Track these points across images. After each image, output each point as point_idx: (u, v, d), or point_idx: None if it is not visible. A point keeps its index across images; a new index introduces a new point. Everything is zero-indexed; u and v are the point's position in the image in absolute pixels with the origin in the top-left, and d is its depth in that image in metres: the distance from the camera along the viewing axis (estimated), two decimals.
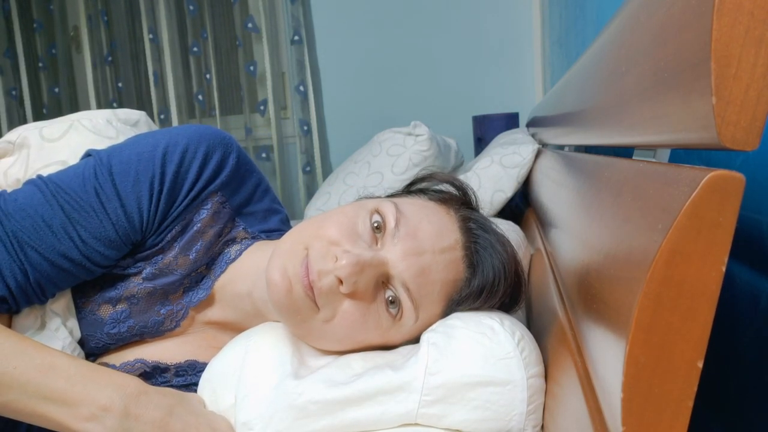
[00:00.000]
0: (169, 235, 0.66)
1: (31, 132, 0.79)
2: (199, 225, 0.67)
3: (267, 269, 0.60)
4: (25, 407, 0.53)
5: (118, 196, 0.62)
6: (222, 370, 0.60)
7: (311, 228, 0.62)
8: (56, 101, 2.72)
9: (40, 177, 0.63)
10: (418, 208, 0.63)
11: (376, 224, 0.60)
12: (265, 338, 0.62)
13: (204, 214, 0.67)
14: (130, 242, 0.64)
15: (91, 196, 0.61)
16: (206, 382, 0.61)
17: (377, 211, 0.61)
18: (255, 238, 0.71)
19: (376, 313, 0.59)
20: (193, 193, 0.66)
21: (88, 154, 0.67)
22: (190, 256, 0.67)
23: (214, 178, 0.67)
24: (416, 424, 0.55)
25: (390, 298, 0.59)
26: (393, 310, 0.59)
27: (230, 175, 0.68)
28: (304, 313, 0.59)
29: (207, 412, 0.58)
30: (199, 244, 0.67)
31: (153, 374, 0.67)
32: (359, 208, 0.62)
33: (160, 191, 0.64)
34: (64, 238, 0.60)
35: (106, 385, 0.54)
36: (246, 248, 0.70)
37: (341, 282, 0.57)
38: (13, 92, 2.75)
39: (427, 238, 0.59)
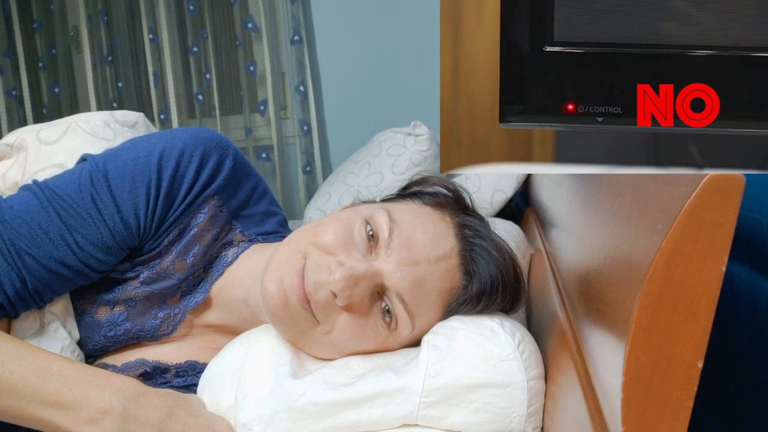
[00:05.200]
0: (166, 240, 0.65)
1: (28, 134, 0.79)
2: (196, 229, 0.66)
3: (263, 281, 0.59)
4: (24, 412, 0.53)
5: (114, 203, 0.62)
6: (221, 371, 0.60)
7: (308, 234, 0.61)
8: (56, 101, 2.72)
9: (35, 183, 0.63)
10: (412, 215, 0.62)
11: (370, 233, 0.59)
12: (264, 339, 0.62)
13: (201, 218, 0.67)
14: (127, 247, 0.64)
15: (87, 202, 0.61)
16: (206, 382, 0.61)
17: (370, 221, 0.60)
18: (252, 240, 0.71)
19: (373, 323, 0.59)
20: (189, 198, 0.65)
21: (83, 159, 0.66)
22: (188, 260, 0.67)
23: (211, 182, 0.67)
24: (416, 426, 0.55)
25: (386, 308, 0.58)
26: (388, 319, 0.59)
27: (227, 178, 0.68)
28: (304, 325, 0.58)
29: (207, 414, 0.58)
30: (196, 248, 0.67)
31: (153, 374, 0.67)
32: (354, 215, 0.61)
33: (157, 196, 0.64)
34: (62, 245, 0.60)
35: (105, 388, 0.54)
36: (243, 251, 0.70)
37: (335, 295, 0.56)
38: (13, 92, 2.75)
39: (422, 248, 0.59)
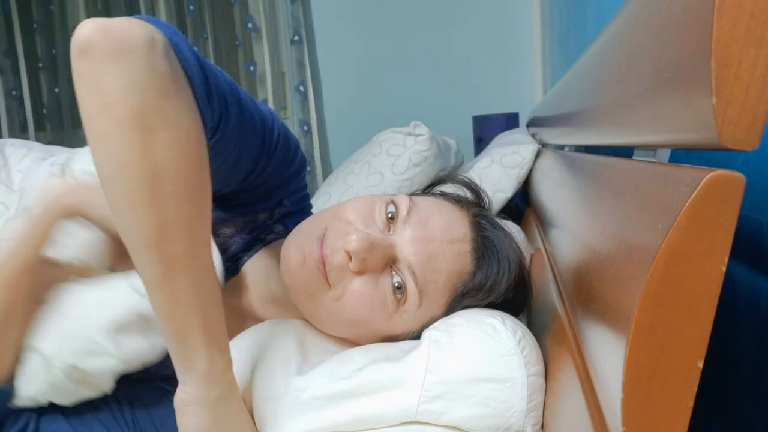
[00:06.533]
0: (239, 212, 0.70)
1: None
2: (259, 217, 0.72)
3: (284, 246, 0.62)
4: (173, 297, 0.48)
5: (280, 148, 0.66)
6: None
7: (331, 210, 0.65)
8: (56, 101, 2.72)
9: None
10: (432, 203, 0.66)
11: (390, 214, 0.62)
12: (268, 334, 0.63)
13: (267, 210, 0.73)
14: (238, 180, 0.66)
15: (270, 128, 0.65)
16: None
17: (392, 202, 0.63)
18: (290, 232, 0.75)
19: (382, 295, 0.60)
20: (280, 191, 0.71)
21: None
22: (238, 237, 0.71)
23: (295, 185, 0.74)
24: (416, 422, 0.55)
25: (397, 284, 0.60)
26: (399, 296, 0.60)
27: (302, 187, 0.76)
28: (315, 288, 0.60)
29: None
30: (249, 228, 0.72)
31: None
32: (378, 197, 0.65)
33: (279, 177, 0.69)
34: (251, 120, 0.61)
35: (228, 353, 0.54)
36: (278, 237, 0.74)
37: (350, 258, 0.58)
38: (13, 92, 2.75)
39: (437, 228, 0.61)
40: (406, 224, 0.61)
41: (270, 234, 0.74)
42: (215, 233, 0.70)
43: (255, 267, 0.72)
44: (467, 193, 0.75)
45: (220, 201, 0.69)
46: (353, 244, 0.57)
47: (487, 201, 0.74)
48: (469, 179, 0.77)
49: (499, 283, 0.63)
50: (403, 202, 0.63)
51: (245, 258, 0.72)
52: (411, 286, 0.60)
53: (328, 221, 0.63)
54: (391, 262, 0.60)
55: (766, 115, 0.25)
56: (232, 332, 0.68)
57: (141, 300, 0.59)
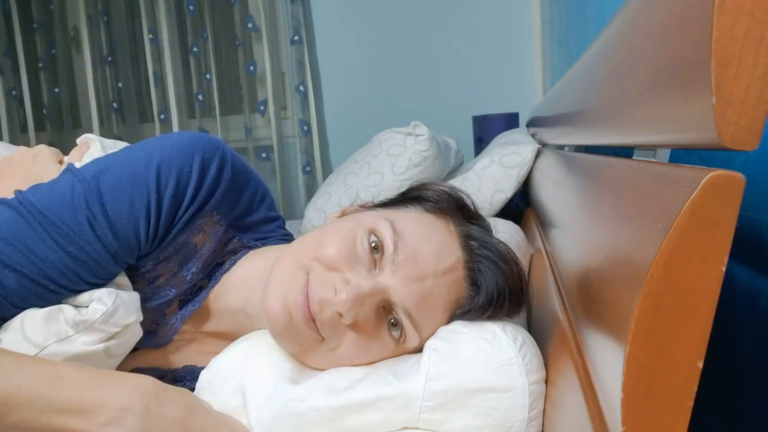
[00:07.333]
0: (162, 256, 0.64)
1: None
2: (194, 245, 0.66)
3: (265, 298, 0.58)
4: (38, 423, 0.49)
5: (112, 227, 0.58)
6: (223, 374, 0.60)
7: (309, 248, 0.60)
8: (56, 101, 2.72)
9: (20, 201, 0.58)
10: (416, 225, 0.61)
11: (373, 244, 0.58)
12: (265, 342, 0.62)
13: (199, 233, 0.65)
14: (125, 264, 0.62)
15: (84, 228, 0.57)
16: (206, 383, 0.61)
17: (373, 232, 0.59)
18: (250, 247, 0.71)
19: (379, 339, 0.58)
20: (188, 215, 0.63)
21: (68, 170, 0.62)
22: (186, 277, 0.66)
23: (210, 197, 0.64)
24: (417, 429, 0.55)
25: (392, 321, 0.58)
26: (396, 333, 0.58)
27: (225, 191, 0.65)
28: (309, 343, 0.58)
29: (222, 413, 0.57)
30: (192, 263, 0.66)
31: None
32: (357, 226, 0.60)
33: (158, 218, 0.61)
34: (58, 267, 0.57)
35: (122, 386, 0.52)
36: (240, 258, 0.69)
37: (341, 315, 0.56)
38: (13, 92, 2.75)
39: (428, 262, 0.58)
40: (395, 263, 0.57)
41: (229, 255, 0.69)
42: (164, 286, 0.66)
43: (225, 295, 0.67)
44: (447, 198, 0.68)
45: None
46: (345, 305, 0.55)
47: (471, 205, 0.69)
48: (448, 187, 0.69)
49: (501, 307, 0.61)
50: (387, 234, 0.58)
51: (207, 289, 0.68)
52: (409, 329, 0.58)
53: (308, 264, 0.59)
54: (384, 304, 0.58)
55: (765, 115, 0.25)
56: (214, 354, 0.65)
57: (32, 349, 0.56)
